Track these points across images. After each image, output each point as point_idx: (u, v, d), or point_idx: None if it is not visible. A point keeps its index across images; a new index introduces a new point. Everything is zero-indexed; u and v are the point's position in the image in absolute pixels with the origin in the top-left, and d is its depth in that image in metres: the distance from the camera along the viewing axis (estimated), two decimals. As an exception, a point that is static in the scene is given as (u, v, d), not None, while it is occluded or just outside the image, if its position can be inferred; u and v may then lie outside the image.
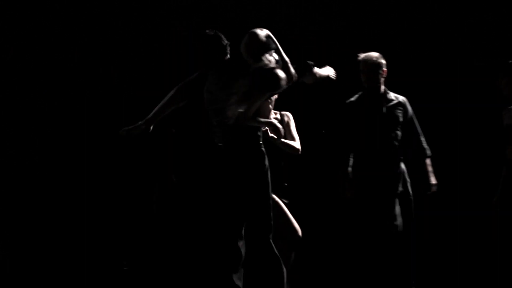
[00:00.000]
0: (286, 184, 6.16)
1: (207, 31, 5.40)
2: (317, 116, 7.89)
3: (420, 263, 6.97)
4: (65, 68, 7.56)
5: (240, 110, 5.17)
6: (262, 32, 5.27)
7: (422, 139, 6.77)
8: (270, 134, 5.81)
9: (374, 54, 6.68)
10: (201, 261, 7.11)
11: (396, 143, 6.66)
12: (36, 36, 8.05)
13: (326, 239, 7.80)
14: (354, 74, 6.73)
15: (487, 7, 8.03)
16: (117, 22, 8.21)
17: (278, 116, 6.27)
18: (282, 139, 5.95)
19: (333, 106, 7.26)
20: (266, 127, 5.65)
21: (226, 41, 5.39)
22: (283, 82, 5.20)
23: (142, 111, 8.15)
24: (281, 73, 5.20)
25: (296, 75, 5.34)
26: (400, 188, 6.61)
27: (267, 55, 5.22)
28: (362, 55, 6.70)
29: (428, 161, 6.73)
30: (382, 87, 6.71)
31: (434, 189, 6.71)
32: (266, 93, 5.22)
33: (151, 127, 5.54)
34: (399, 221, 6.53)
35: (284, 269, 5.25)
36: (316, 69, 5.63)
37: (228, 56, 5.38)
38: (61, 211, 7.48)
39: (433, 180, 6.68)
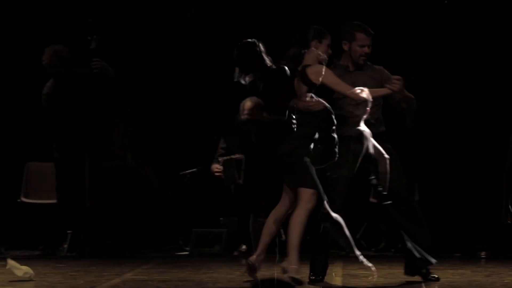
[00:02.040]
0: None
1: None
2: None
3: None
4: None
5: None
6: None
7: None
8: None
9: None
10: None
11: None
12: (36, 36, 8.05)
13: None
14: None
15: (487, 7, 8.04)
16: (117, 22, 8.21)
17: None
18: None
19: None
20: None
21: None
22: None
23: (142, 111, 8.19)
24: None
25: None
26: None
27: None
28: None
29: None
30: None
31: None
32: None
33: None
34: None
35: None
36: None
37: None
38: (61, 211, 7.48)
39: None
